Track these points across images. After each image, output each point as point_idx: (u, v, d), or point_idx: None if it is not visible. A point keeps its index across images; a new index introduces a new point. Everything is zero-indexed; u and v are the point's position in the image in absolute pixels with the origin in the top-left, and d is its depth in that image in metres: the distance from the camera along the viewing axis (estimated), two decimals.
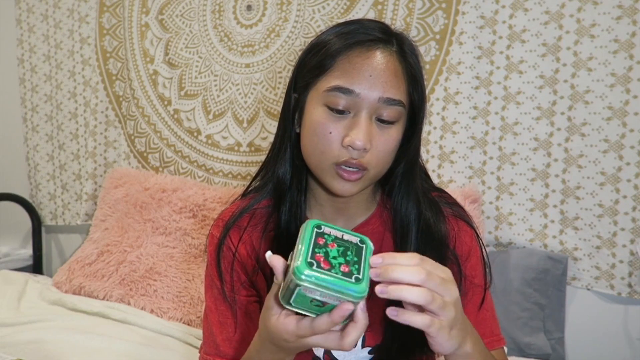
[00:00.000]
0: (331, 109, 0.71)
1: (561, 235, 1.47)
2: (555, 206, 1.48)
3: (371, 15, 1.62)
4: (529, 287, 1.44)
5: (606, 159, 1.41)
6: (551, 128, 1.46)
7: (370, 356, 0.80)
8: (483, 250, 0.83)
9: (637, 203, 1.39)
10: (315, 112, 0.72)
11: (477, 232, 0.83)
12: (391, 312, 0.55)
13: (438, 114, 1.58)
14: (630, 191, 1.39)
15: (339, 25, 0.76)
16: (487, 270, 0.83)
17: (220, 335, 0.81)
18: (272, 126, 1.77)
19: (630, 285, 1.41)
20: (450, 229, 0.81)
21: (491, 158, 1.54)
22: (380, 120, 0.72)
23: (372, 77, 0.70)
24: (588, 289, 1.47)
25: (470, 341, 0.62)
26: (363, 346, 0.80)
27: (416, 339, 0.76)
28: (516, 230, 1.52)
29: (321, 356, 0.81)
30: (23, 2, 2.13)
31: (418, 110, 0.76)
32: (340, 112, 0.71)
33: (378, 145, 0.71)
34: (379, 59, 0.71)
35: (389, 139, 0.72)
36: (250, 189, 0.87)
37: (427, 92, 0.79)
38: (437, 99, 1.58)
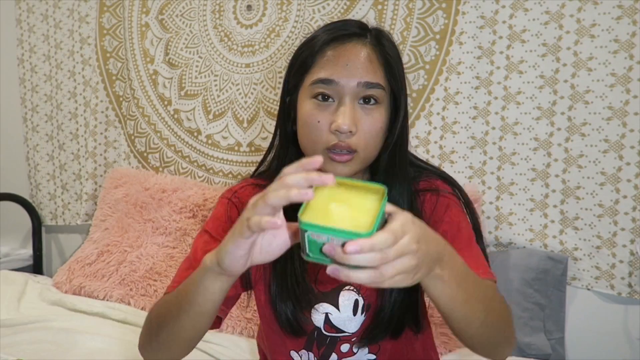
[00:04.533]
0: (317, 99, 0.79)
1: (561, 235, 1.47)
2: (555, 206, 1.48)
3: (371, 16, 1.62)
4: (529, 287, 1.44)
5: (606, 159, 1.41)
6: (551, 128, 1.46)
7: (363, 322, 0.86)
8: (465, 204, 0.87)
9: (637, 203, 1.39)
10: (304, 106, 0.80)
11: (458, 194, 0.88)
12: (332, 271, 0.53)
13: (438, 114, 1.58)
14: (630, 191, 1.39)
15: (321, 27, 0.84)
16: (474, 220, 0.86)
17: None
18: (272, 126, 1.76)
19: (630, 285, 1.41)
20: (423, 204, 0.86)
21: (491, 158, 1.54)
22: (364, 102, 0.79)
23: (348, 65, 0.78)
24: (588, 289, 1.47)
25: (439, 266, 0.59)
26: (363, 312, 0.85)
27: (410, 297, 0.84)
28: (516, 230, 1.52)
29: (322, 327, 0.86)
30: (23, 2, 2.13)
31: (398, 94, 0.82)
32: (325, 100, 0.79)
33: (364, 127, 0.78)
34: (354, 49, 0.79)
35: (374, 120, 0.79)
36: (257, 172, 0.97)
37: (406, 80, 0.86)
38: (437, 99, 1.58)
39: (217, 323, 0.85)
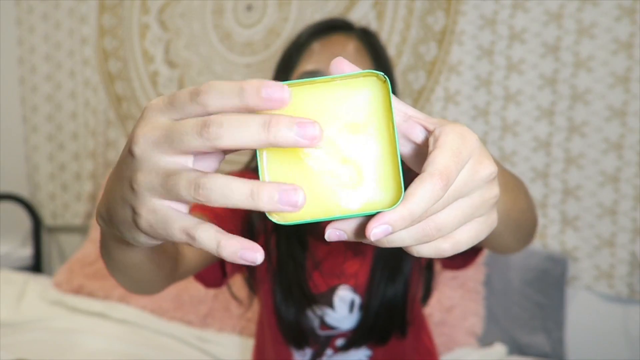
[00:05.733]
0: None
1: (561, 235, 1.48)
2: (555, 206, 1.48)
3: (372, 16, 1.62)
4: (529, 287, 1.44)
5: (606, 159, 1.41)
6: (551, 128, 1.46)
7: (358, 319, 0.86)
8: None
9: (637, 203, 1.39)
10: None
11: None
12: (332, 234, 0.34)
13: (438, 114, 1.58)
14: (630, 191, 1.39)
15: (307, 26, 0.85)
16: None
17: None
18: None
19: (630, 285, 1.41)
20: None
21: None
22: None
23: (334, 55, 0.76)
24: (588, 289, 1.47)
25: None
26: (360, 310, 0.85)
27: (400, 299, 0.82)
28: None
29: (317, 327, 0.86)
30: (23, 2, 2.13)
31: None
32: None
33: None
34: (340, 40, 0.79)
35: None
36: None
37: (396, 80, 0.87)
38: (437, 99, 1.58)
39: (214, 281, 0.81)
